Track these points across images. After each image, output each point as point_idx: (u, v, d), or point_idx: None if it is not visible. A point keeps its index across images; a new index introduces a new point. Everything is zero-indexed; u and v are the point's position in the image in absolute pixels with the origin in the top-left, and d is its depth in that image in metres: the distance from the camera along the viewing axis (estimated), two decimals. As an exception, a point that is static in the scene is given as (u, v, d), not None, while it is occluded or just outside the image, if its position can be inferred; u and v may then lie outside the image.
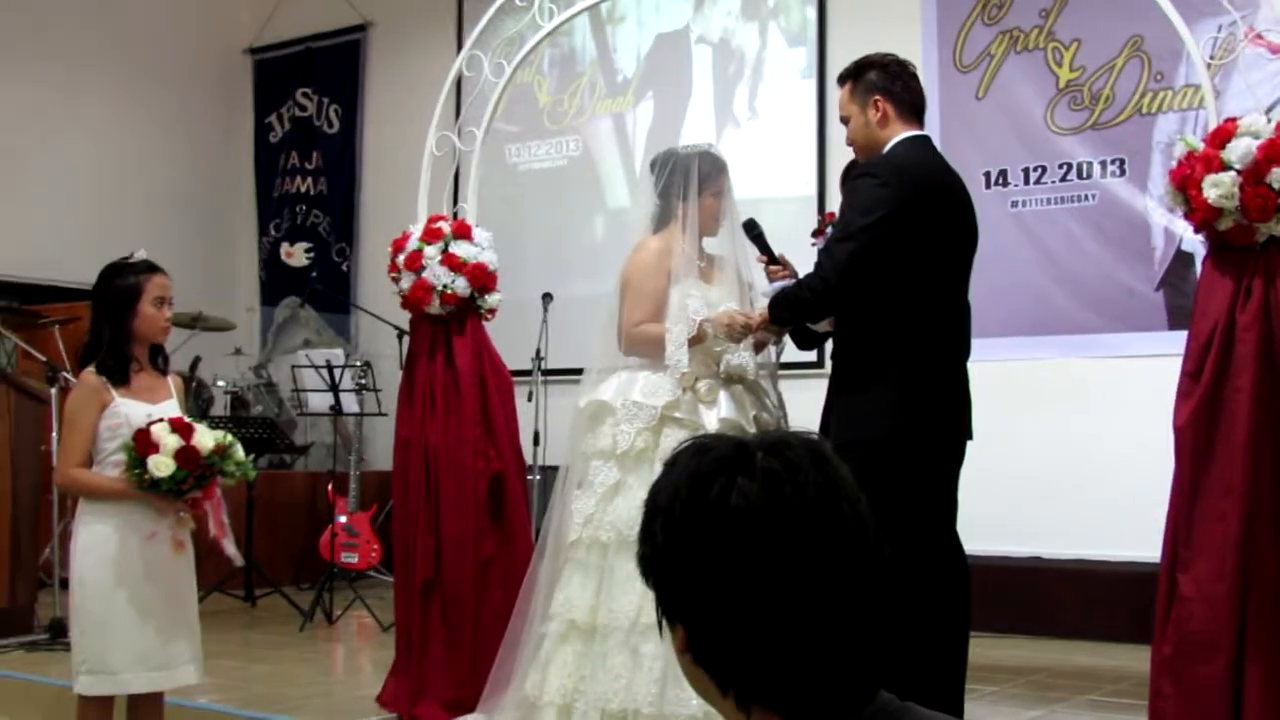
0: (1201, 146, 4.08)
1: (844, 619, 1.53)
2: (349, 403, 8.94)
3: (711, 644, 1.56)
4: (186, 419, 4.29)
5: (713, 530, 1.53)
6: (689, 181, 4.81)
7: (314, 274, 11.29)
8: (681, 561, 1.56)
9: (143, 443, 4.17)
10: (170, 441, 4.17)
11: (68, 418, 4.39)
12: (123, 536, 4.27)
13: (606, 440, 4.68)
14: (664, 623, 1.61)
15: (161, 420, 4.23)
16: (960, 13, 8.52)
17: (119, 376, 4.31)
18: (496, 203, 9.09)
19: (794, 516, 1.52)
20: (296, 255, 11.92)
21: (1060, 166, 8.11)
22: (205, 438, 4.24)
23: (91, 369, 4.32)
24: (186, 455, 4.18)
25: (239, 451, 4.39)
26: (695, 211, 4.80)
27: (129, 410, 4.27)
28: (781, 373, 5.00)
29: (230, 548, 4.47)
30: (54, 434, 6.97)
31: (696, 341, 4.65)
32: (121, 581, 4.25)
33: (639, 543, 1.63)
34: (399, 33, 11.45)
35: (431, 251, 5.55)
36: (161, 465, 4.15)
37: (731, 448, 1.59)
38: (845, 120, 4.57)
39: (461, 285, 5.52)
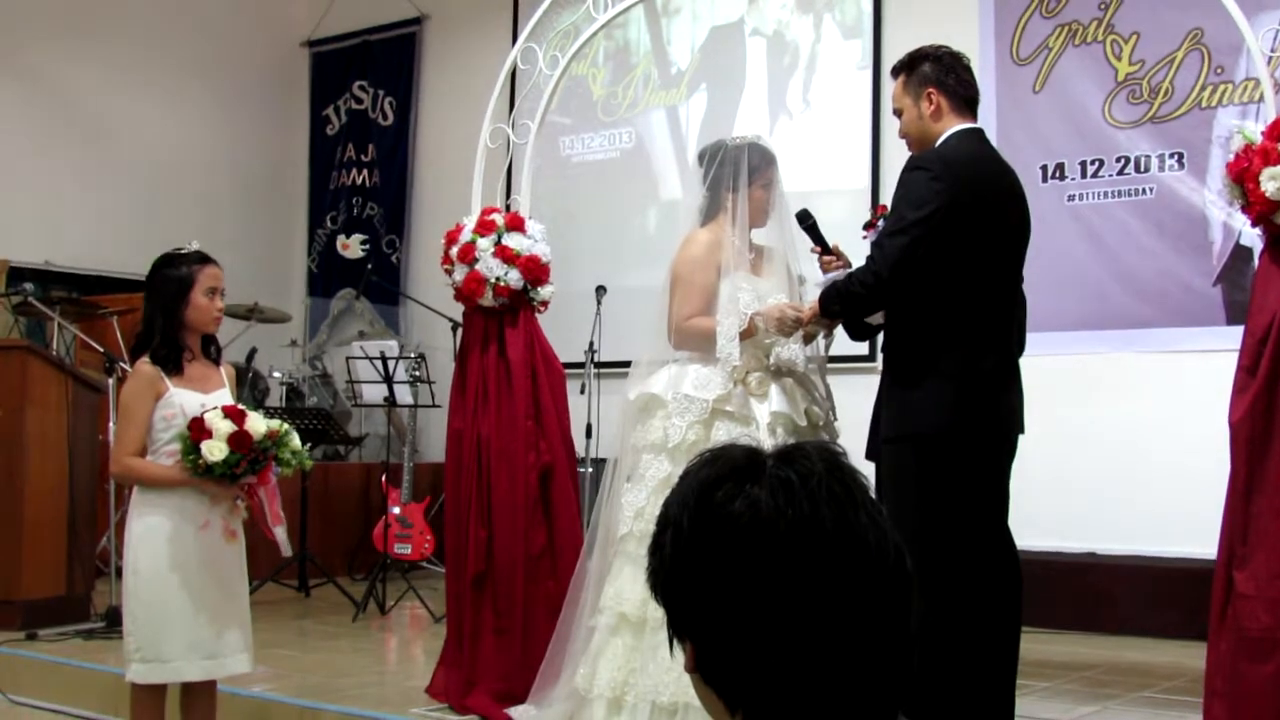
0: (1260, 139, 4.03)
1: (857, 637, 1.45)
2: (403, 394, 8.97)
3: (718, 662, 1.49)
4: (240, 406, 4.33)
5: (717, 542, 1.46)
6: (738, 173, 4.76)
7: (369, 266, 11.35)
8: (688, 574, 1.49)
9: (197, 429, 4.21)
10: (223, 427, 4.21)
11: (123, 407, 4.43)
12: (176, 525, 4.31)
13: (657, 433, 4.65)
14: (674, 639, 1.54)
15: (215, 408, 4.27)
16: (1018, 5, 8.46)
17: (172, 366, 4.34)
18: (550, 195, 9.07)
19: (804, 528, 1.43)
20: (353, 247, 11.98)
21: (1118, 160, 8.04)
22: (258, 423, 4.28)
23: (146, 359, 4.35)
24: (239, 440, 4.22)
25: (295, 440, 4.42)
26: (744, 204, 4.75)
27: (183, 400, 4.31)
28: (831, 366, 4.96)
29: (282, 536, 4.48)
30: (111, 424, 7.05)
31: (747, 335, 4.62)
32: (175, 570, 4.29)
33: (649, 555, 1.56)
34: (454, 25, 11.50)
35: (485, 244, 5.55)
36: (215, 450, 4.19)
37: (743, 456, 1.51)
38: (898, 113, 4.54)
39: (514, 277, 5.52)
